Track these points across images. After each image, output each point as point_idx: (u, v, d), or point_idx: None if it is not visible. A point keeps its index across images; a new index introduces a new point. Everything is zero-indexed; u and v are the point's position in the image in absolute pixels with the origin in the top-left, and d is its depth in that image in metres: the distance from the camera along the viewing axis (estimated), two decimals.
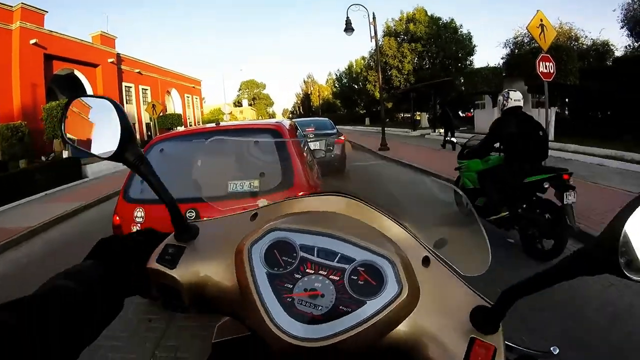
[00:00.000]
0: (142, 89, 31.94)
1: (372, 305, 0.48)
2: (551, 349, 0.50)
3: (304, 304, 0.49)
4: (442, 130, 16.92)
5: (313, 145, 7.67)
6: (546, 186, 3.43)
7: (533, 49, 13.82)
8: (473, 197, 4.15)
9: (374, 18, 15.01)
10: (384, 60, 34.20)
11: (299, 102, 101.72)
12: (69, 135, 0.59)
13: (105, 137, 0.56)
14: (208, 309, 0.58)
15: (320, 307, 0.48)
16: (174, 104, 39.25)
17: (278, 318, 0.48)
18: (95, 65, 24.33)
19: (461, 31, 34.30)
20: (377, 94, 32.97)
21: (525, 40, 24.16)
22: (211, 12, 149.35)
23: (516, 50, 23.93)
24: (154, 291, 0.58)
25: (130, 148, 0.55)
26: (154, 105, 17.18)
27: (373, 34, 15.38)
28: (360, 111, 54.98)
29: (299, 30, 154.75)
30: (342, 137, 8.77)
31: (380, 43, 33.88)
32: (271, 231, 0.55)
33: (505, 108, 3.74)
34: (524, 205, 3.63)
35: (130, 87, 30.33)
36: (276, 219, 0.59)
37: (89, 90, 23.28)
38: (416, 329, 0.49)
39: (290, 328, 0.47)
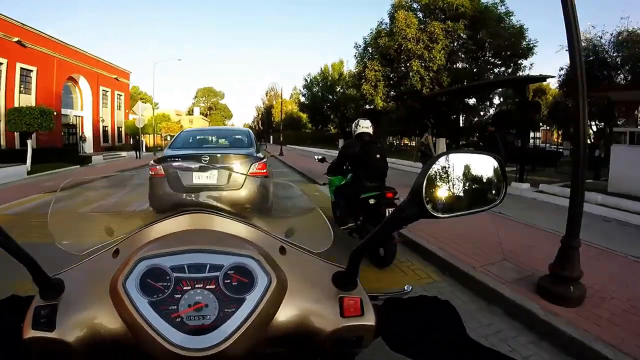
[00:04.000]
0: (23, 69, 21.39)
1: (251, 299, 0.53)
2: (405, 287, 0.66)
3: (192, 318, 0.51)
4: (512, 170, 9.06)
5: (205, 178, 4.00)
6: (371, 202, 3.85)
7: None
8: (334, 208, 4.76)
9: None
10: (395, 44, 22.36)
11: (259, 116, 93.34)
12: None
13: None
14: (102, 358, 0.56)
15: (208, 316, 0.51)
16: (80, 98, 28.67)
17: (174, 339, 0.49)
18: None
19: (509, 21, 21.66)
20: (379, 101, 24.18)
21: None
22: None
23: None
24: None
25: None
26: None
27: None
28: (332, 129, 46.61)
29: (265, 38, 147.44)
30: (263, 162, 4.78)
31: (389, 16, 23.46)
32: (140, 261, 0.55)
33: (355, 134, 4.32)
34: (360, 218, 4.04)
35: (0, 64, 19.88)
36: (139, 249, 0.59)
37: None
38: (294, 308, 0.57)
39: (189, 344, 0.49)
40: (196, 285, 0.54)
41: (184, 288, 0.53)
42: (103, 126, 31.15)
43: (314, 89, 45.42)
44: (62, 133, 27.16)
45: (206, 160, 4.37)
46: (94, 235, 0.78)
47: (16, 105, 19.03)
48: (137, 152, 24.63)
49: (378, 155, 4.13)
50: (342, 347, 0.58)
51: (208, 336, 0.50)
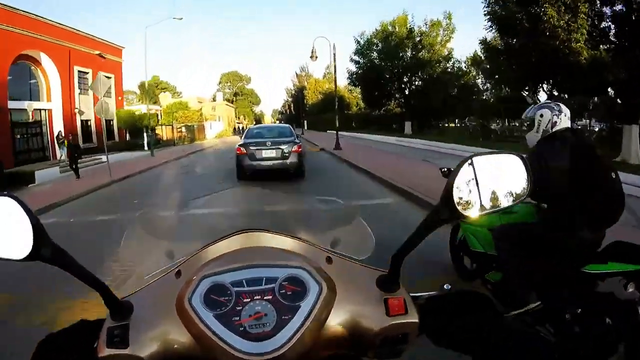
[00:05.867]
0: None
1: (305, 307, 0.58)
2: (444, 286, 0.66)
3: (254, 327, 0.56)
4: None
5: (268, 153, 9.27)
6: (630, 290, 1.99)
7: None
8: (483, 264, 2.79)
9: None
10: None
11: (289, 99, 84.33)
12: None
13: (13, 238, 0.52)
14: None
15: (267, 324, 0.56)
16: (45, 85, 20.56)
17: (240, 346, 0.54)
18: None
19: None
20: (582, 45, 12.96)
21: None
22: None
23: None
24: None
25: (46, 244, 0.53)
26: None
27: None
28: (393, 108, 35.67)
29: (292, 19, 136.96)
30: (299, 144, 9.53)
31: None
32: (203, 279, 0.60)
33: (554, 130, 2.36)
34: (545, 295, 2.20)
35: None
36: (200, 268, 0.64)
37: None
38: (344, 312, 0.61)
39: (253, 350, 0.54)
40: (255, 297, 0.59)
41: (244, 300, 0.58)
42: (82, 120, 23.05)
43: (372, 54, 33.38)
44: (19, 135, 19.45)
45: (269, 145, 9.16)
46: (156, 258, 0.83)
47: None
48: (150, 149, 21.22)
49: (613, 175, 2.24)
50: (390, 345, 0.62)
51: (269, 342, 0.55)
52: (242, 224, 0.86)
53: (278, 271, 0.62)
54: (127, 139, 28.08)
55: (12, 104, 18.15)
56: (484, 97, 34.53)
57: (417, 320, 0.61)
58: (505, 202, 0.59)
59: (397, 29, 32.18)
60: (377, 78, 32.14)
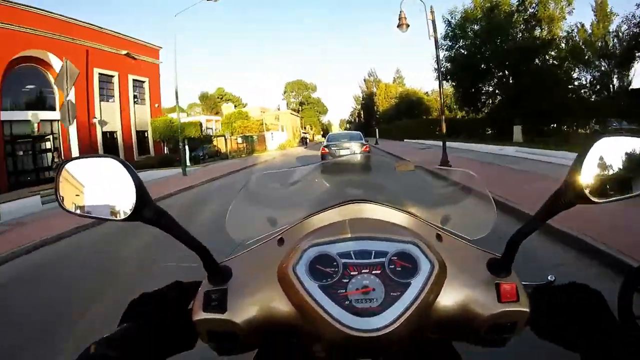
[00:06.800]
0: None
1: (416, 284, 0.54)
2: (549, 277, 0.63)
3: (361, 301, 0.53)
4: None
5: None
6: None
7: None
8: None
9: None
10: None
11: (358, 107, 78.59)
12: (68, 205, 0.56)
13: (116, 198, 0.54)
14: (264, 341, 0.61)
15: (375, 300, 0.53)
16: (52, 90, 17.36)
17: (344, 319, 0.52)
18: None
19: None
20: None
21: None
22: None
23: None
24: (204, 340, 0.59)
25: (147, 205, 0.53)
26: None
27: None
28: (490, 112, 26.95)
29: (358, 24, 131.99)
30: (367, 145, 11.91)
31: None
32: (309, 248, 0.59)
33: None
34: None
35: None
36: (304, 237, 0.63)
37: None
38: (454, 294, 0.58)
39: (358, 325, 0.51)
40: (363, 271, 0.56)
41: (352, 273, 0.56)
42: (106, 132, 19.55)
43: (468, 36, 24.48)
44: (21, 152, 16.26)
45: (345, 144, 11.46)
46: (258, 225, 0.79)
47: None
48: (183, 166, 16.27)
49: None
50: (497, 333, 0.59)
51: (376, 318, 0.52)
52: (347, 194, 0.77)
53: (388, 245, 0.59)
54: (166, 152, 24.45)
55: (10, 114, 14.88)
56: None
57: (528, 310, 0.57)
58: (634, 190, 0.54)
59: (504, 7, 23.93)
60: (475, 68, 23.84)
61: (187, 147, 25.22)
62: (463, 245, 0.67)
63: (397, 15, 10.91)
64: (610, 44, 24.85)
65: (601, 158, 0.51)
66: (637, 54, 21.97)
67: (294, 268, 0.56)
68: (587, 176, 0.50)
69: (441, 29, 24.76)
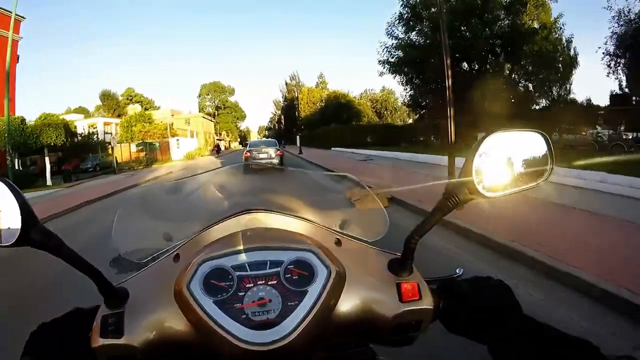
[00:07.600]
0: None
1: (312, 291, 0.54)
2: (457, 270, 0.65)
3: (257, 314, 0.53)
4: None
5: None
6: None
7: None
8: None
9: None
10: None
11: (279, 112, 74.32)
12: None
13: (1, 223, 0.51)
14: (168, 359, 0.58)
15: (272, 311, 0.53)
16: None
17: (241, 334, 0.51)
18: None
19: None
20: None
21: None
22: None
23: None
24: None
25: (34, 227, 0.51)
26: None
27: None
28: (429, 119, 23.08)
29: (279, 22, 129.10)
30: (280, 150, 16.00)
31: None
32: (202, 263, 0.57)
33: None
34: None
35: None
36: (200, 251, 0.60)
37: None
38: (354, 297, 0.58)
39: (256, 339, 0.50)
40: (258, 282, 0.55)
41: (247, 285, 0.55)
42: None
43: (409, 34, 21.31)
44: None
45: (263, 149, 15.73)
46: (153, 242, 0.76)
47: None
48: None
49: None
50: (402, 332, 0.59)
51: (274, 330, 0.51)
52: (244, 203, 0.81)
53: (283, 254, 0.58)
54: (16, 166, 17.70)
55: None
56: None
57: (432, 307, 0.58)
58: (526, 182, 0.57)
59: None
60: (434, 59, 19.48)
61: (47, 158, 18.85)
62: (363, 248, 0.67)
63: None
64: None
65: (492, 154, 0.53)
66: None
67: (187, 285, 0.54)
68: (479, 172, 0.52)
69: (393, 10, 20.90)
